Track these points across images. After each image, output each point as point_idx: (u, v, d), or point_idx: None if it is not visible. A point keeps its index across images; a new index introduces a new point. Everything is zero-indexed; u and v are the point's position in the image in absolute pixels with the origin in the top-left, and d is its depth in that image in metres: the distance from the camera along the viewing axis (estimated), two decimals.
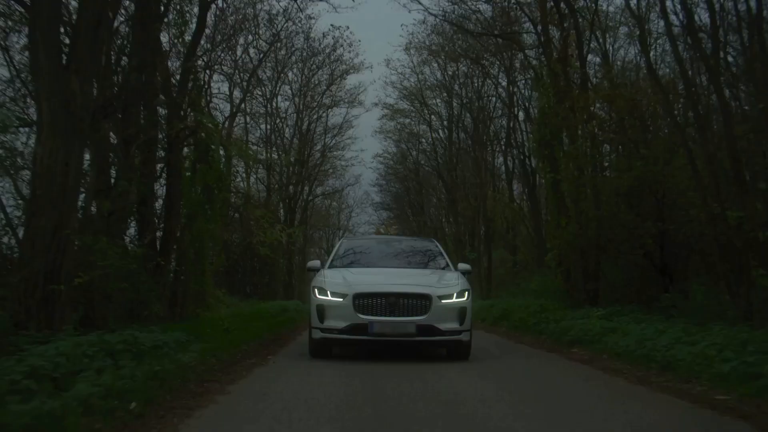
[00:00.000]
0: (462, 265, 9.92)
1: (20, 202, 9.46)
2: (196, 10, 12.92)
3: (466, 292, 8.80)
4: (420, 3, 20.33)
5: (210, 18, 16.09)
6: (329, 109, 33.29)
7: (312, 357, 8.48)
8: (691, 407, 5.26)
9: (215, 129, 13.98)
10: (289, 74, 31.27)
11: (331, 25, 32.93)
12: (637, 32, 13.36)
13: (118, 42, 10.77)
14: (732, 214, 9.24)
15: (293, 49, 29.12)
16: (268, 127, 31.10)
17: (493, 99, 26.79)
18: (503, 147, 26.42)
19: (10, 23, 9.21)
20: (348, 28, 33.21)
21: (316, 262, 9.99)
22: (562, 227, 13.94)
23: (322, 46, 29.32)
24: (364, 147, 49.54)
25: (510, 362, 8.78)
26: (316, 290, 8.81)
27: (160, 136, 11.56)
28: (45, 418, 3.64)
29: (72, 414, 3.87)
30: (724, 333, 7.30)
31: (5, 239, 8.92)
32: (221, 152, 14.55)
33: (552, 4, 14.76)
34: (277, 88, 31.15)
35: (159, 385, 5.26)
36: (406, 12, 31.93)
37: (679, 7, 10.20)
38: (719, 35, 10.61)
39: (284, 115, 32.07)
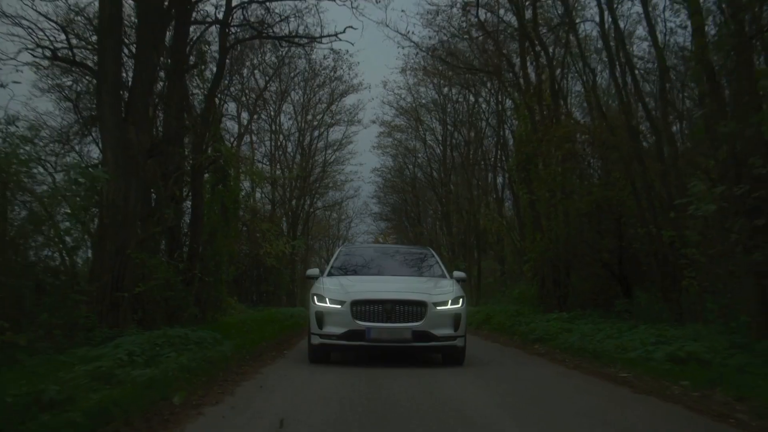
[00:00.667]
0: (457, 273, 10.22)
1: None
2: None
3: (461, 299, 9.02)
4: (410, 40, 22.22)
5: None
6: (329, 127, 35.18)
7: (311, 362, 8.87)
8: (600, 382, 7.20)
9: (232, 156, 16.00)
10: (292, 93, 33.25)
11: (331, 49, 34.77)
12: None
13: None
14: (666, 233, 11.21)
15: (296, 70, 31.06)
16: (272, 144, 33.11)
17: (484, 118, 28.68)
18: (492, 165, 28.33)
19: (74, 78, 11.17)
20: (348, 51, 35.23)
21: (315, 270, 10.30)
22: (536, 242, 15.88)
23: (322, 67, 31.26)
24: (363, 161, 51.26)
25: (484, 353, 10.60)
26: (315, 297, 9.03)
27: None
28: (153, 381, 5.58)
29: (168, 378, 5.82)
30: (647, 330, 9.23)
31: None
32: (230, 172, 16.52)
33: (527, 43, 16.77)
34: (281, 107, 33.17)
35: (212, 367, 7.20)
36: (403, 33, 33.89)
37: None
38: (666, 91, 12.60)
39: (287, 133, 33.99)
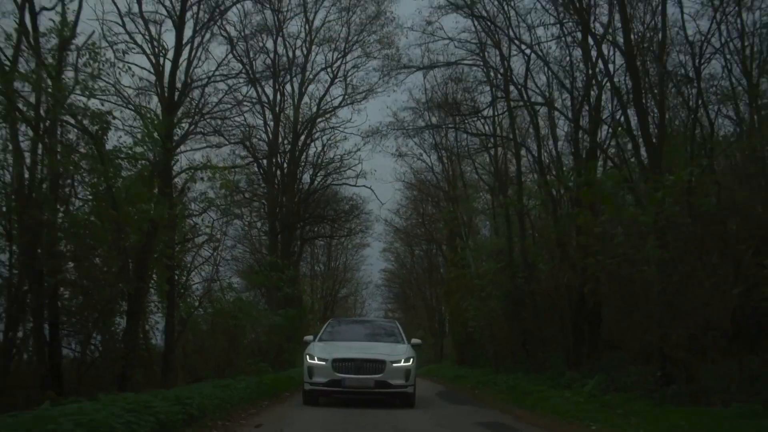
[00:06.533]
0: (414, 340, 13.53)
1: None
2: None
3: (411, 359, 11.91)
4: (393, 225, 39.26)
5: None
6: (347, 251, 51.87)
7: (303, 404, 11.76)
8: (449, 387, 23.67)
9: (305, 288, 33.00)
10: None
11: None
12: None
13: None
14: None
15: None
16: (312, 261, 49.84)
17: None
18: None
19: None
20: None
21: (310, 336, 13.38)
22: (455, 333, 32.48)
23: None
24: (372, 262, 67.22)
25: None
26: (307, 356, 11.92)
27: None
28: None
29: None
30: (470, 371, 25.70)
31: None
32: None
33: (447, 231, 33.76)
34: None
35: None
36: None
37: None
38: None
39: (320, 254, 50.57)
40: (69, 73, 12.48)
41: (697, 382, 9.99)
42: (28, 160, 11.59)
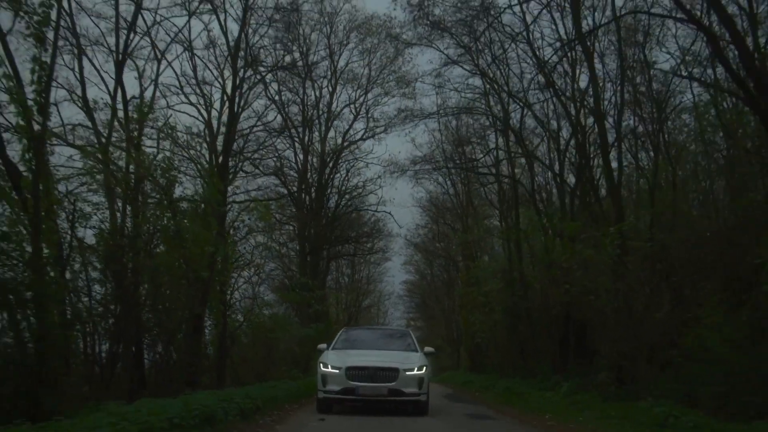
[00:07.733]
0: (427, 348, 13.61)
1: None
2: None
3: (425, 367, 12.12)
4: (412, 241, 42.52)
5: None
6: (370, 265, 55.21)
7: (318, 412, 12.00)
8: (456, 390, 26.84)
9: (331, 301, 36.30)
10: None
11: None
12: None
13: None
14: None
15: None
16: (337, 274, 53.21)
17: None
18: None
19: None
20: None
21: (323, 345, 13.54)
22: (467, 341, 35.58)
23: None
24: (394, 274, 70.47)
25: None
26: (321, 364, 12.16)
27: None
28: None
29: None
30: (485, 376, 28.81)
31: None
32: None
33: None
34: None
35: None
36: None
37: None
38: None
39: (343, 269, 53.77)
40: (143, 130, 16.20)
41: (636, 384, 13.07)
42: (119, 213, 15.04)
